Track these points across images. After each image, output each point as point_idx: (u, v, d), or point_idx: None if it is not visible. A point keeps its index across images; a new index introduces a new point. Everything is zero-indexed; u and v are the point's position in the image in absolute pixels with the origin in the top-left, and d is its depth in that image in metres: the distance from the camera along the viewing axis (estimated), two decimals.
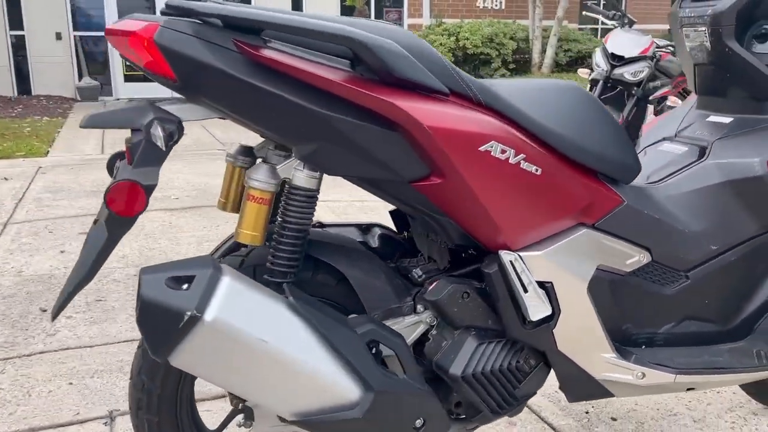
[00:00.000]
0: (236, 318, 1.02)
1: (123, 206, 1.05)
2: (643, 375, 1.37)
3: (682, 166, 1.52)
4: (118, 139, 6.76)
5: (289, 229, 1.18)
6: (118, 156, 1.29)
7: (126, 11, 11.07)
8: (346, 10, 10.94)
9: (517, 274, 1.22)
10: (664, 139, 1.67)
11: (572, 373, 1.35)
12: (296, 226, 1.18)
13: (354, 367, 1.09)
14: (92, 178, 4.89)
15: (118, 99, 11.01)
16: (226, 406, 1.86)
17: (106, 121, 1.11)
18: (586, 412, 1.86)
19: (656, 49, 4.10)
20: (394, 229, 1.54)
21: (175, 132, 1.06)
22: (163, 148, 1.04)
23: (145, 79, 11.35)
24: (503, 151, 1.15)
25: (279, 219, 1.20)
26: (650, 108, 4.19)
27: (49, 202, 4.18)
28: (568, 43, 10.77)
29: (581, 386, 1.37)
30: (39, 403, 1.86)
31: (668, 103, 4.19)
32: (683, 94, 4.62)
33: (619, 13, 4.38)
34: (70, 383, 1.96)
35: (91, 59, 11.09)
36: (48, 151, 6.04)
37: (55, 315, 1.17)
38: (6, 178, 4.84)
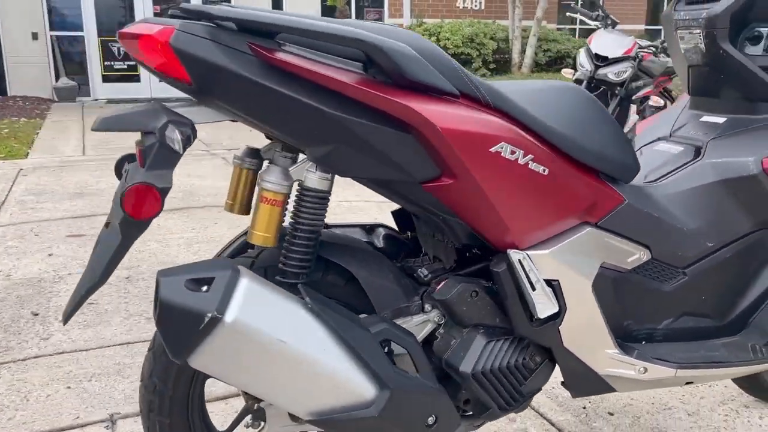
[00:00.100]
0: (255, 319, 1.02)
1: (139, 209, 1.05)
2: (645, 370, 1.40)
3: (678, 165, 1.56)
4: (99, 141, 6.70)
5: (302, 230, 1.19)
6: (126, 158, 1.29)
7: (104, 11, 10.96)
8: (327, 10, 10.93)
9: (525, 272, 1.25)
10: (659, 138, 1.70)
11: (577, 369, 1.37)
12: (308, 227, 1.19)
13: (370, 367, 1.11)
14: (75, 180, 4.84)
15: (96, 99, 10.89)
16: (227, 408, 1.86)
17: (119, 124, 1.11)
18: (584, 408, 1.89)
19: (639, 50, 4.17)
20: (396, 229, 1.55)
21: (191, 135, 1.07)
22: (181, 151, 1.04)
23: (123, 80, 11.26)
24: (513, 152, 1.18)
25: (291, 220, 1.20)
26: (633, 107, 4.26)
27: (33, 204, 4.13)
28: (548, 43, 10.87)
29: (585, 382, 1.40)
30: (38, 407, 1.85)
31: (650, 102, 4.26)
32: (664, 94, 4.70)
33: (602, 14, 4.44)
34: (68, 387, 1.95)
35: (68, 59, 10.95)
36: (28, 153, 5.96)
37: (66, 319, 1.17)
38: None
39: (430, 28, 10.42)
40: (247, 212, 1.40)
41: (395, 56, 1.06)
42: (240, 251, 1.41)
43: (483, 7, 11.93)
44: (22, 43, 10.25)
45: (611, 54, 4.12)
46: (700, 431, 1.79)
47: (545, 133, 1.23)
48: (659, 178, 1.55)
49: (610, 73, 4.10)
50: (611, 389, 1.43)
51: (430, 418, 1.20)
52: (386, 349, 1.19)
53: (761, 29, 1.52)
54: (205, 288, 1.02)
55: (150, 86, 11.43)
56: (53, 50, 10.57)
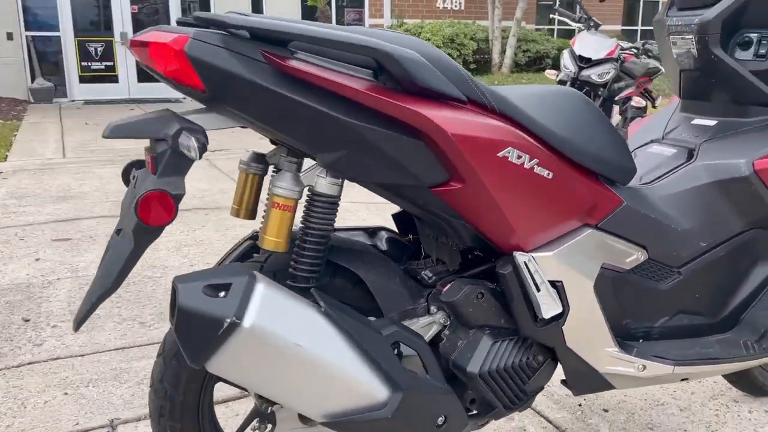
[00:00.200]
0: (272, 323, 1.04)
1: (153, 216, 1.06)
2: (644, 367, 1.44)
3: (672, 167, 1.60)
4: (79, 143, 6.62)
5: (312, 234, 1.20)
6: (133, 165, 1.30)
7: (80, 10, 10.83)
8: (307, 10, 10.91)
9: (530, 274, 1.27)
10: (652, 141, 1.74)
11: (578, 368, 1.40)
12: (319, 231, 1.20)
13: (383, 369, 1.13)
14: (57, 183, 4.79)
15: (73, 101, 10.76)
16: (227, 412, 1.87)
17: (130, 131, 1.12)
18: (579, 405, 1.93)
19: (621, 51, 4.24)
20: (397, 232, 1.57)
21: (205, 142, 1.07)
22: (197, 158, 1.05)
23: (101, 80, 11.13)
24: (519, 157, 1.20)
25: (301, 225, 1.22)
26: (615, 108, 4.33)
27: (15, 208, 4.08)
28: (527, 43, 10.97)
29: (586, 380, 1.43)
30: (36, 414, 1.83)
31: (632, 103, 4.33)
32: (645, 94, 4.78)
33: (585, 16, 4.51)
34: (65, 393, 1.94)
35: (44, 60, 10.80)
36: (6, 156, 5.88)
37: (78, 325, 1.17)
38: None
39: (410, 28, 10.45)
40: (253, 217, 1.41)
41: (406, 64, 1.08)
42: (245, 255, 1.42)
43: (463, 8, 12.00)
44: None
45: (594, 56, 4.19)
46: (692, 426, 1.83)
47: (548, 137, 1.26)
48: (654, 180, 1.59)
49: (594, 74, 4.17)
50: (611, 386, 1.47)
51: (440, 419, 1.22)
52: (396, 351, 1.21)
53: (751, 35, 1.56)
54: (222, 294, 1.03)
55: (128, 87, 11.32)
56: (29, 51, 10.42)
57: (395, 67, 1.07)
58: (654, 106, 4.82)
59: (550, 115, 1.30)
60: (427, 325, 1.34)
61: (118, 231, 1.18)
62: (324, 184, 1.18)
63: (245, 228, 3.68)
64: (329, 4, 10.72)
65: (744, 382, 1.94)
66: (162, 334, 2.34)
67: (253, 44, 1.07)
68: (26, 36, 10.45)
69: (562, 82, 4.37)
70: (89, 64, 11.09)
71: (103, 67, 11.16)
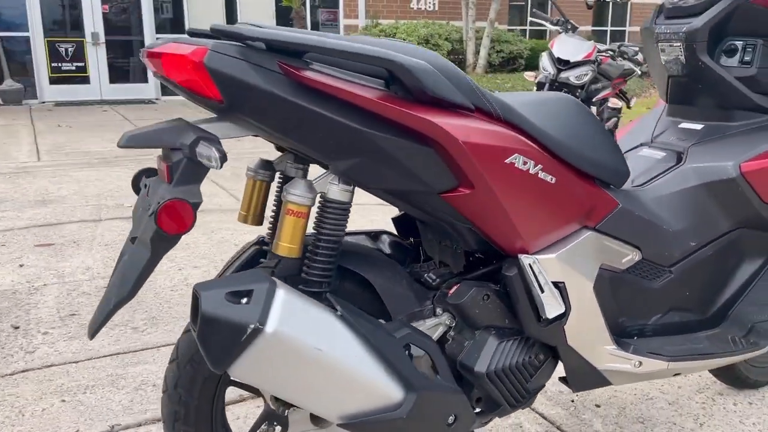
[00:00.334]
0: (293, 329, 1.06)
1: (173, 225, 1.08)
2: (640, 363, 1.49)
3: (662, 170, 1.66)
4: (53, 146, 6.53)
5: (324, 240, 1.23)
6: (143, 173, 1.31)
7: (49, 10, 10.65)
8: (282, 11, 10.89)
9: (535, 275, 1.32)
10: (641, 144, 1.80)
11: (578, 365, 1.45)
12: (331, 237, 1.23)
13: (398, 370, 1.16)
14: (34, 187, 4.72)
15: (43, 102, 10.59)
16: (227, 415, 1.88)
17: (146, 140, 1.13)
18: (572, 401, 1.98)
19: (598, 54, 4.32)
20: (397, 235, 1.61)
21: (224, 151, 1.09)
22: (219, 168, 1.07)
23: (72, 81, 10.97)
24: (525, 163, 1.25)
25: (313, 231, 1.24)
26: (593, 109, 4.42)
27: None
28: (500, 44, 11.08)
29: (585, 377, 1.48)
30: (34, 422, 1.83)
31: (609, 104, 4.43)
32: (620, 95, 4.89)
33: (563, 19, 4.59)
34: (63, 400, 1.94)
35: (13, 61, 10.62)
36: None
37: (94, 334, 1.18)
38: None
39: (385, 29, 10.49)
40: (261, 223, 1.44)
41: (419, 74, 1.11)
42: (251, 261, 1.44)
43: (436, 8, 12.07)
44: None
45: (572, 58, 4.28)
46: (681, 419, 1.90)
47: (549, 143, 1.31)
48: (646, 183, 1.64)
49: (572, 76, 4.25)
50: (608, 383, 1.52)
51: (450, 417, 1.26)
52: (407, 353, 1.25)
53: (736, 42, 1.63)
54: (244, 300, 1.05)
55: (100, 88, 11.18)
56: None
57: (408, 77, 1.11)
58: (629, 107, 4.93)
59: (550, 122, 1.34)
60: (434, 326, 1.38)
61: (132, 239, 1.19)
62: (336, 190, 1.21)
63: (231, 231, 3.68)
64: (304, 4, 10.70)
65: (728, 375, 2.01)
66: (155, 339, 2.34)
67: (270, 56, 1.09)
68: None
69: (540, 84, 4.45)
70: (59, 65, 10.92)
71: (73, 68, 11.00)
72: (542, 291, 1.33)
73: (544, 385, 1.46)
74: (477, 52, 10.76)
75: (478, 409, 1.42)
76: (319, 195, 1.24)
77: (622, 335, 1.54)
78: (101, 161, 5.79)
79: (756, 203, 1.61)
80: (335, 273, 1.29)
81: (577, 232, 1.39)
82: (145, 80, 11.43)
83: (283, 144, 1.21)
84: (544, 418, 1.90)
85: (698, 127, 1.73)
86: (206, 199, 4.44)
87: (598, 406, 1.96)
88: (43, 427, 1.81)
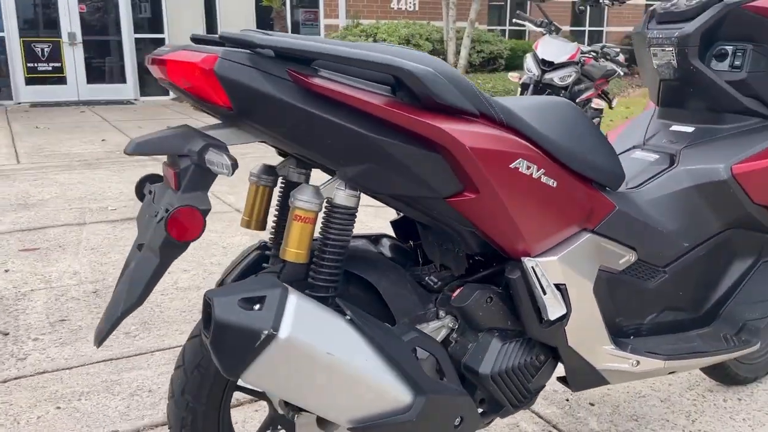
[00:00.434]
0: (306, 334, 1.07)
1: (184, 232, 1.08)
2: (638, 363, 1.52)
3: (655, 172, 1.69)
4: (32, 148, 6.44)
5: (331, 245, 1.24)
6: (147, 179, 1.31)
7: (25, 10, 10.49)
8: (263, 10, 10.84)
9: (537, 278, 1.34)
10: (634, 147, 1.84)
11: (578, 366, 1.48)
12: (337, 242, 1.24)
13: (408, 374, 1.17)
14: (15, 191, 4.66)
15: (19, 103, 10.43)
16: None
17: (154, 147, 1.13)
18: (566, 400, 2.01)
19: (581, 55, 4.38)
20: (396, 238, 1.62)
21: (235, 158, 1.10)
22: (231, 175, 1.07)
23: (48, 82, 10.82)
24: (528, 167, 1.27)
25: (320, 236, 1.25)
26: None
27: None
28: (481, 44, 11.14)
29: (585, 377, 1.51)
30: (30, 430, 1.81)
31: (592, 105, 4.48)
32: (602, 96, 4.95)
33: (546, 21, 4.64)
34: (58, 407, 1.92)
35: None
36: None
37: (101, 341, 1.18)
38: None
39: (366, 29, 10.49)
40: (264, 228, 1.44)
41: (426, 81, 1.12)
42: (254, 266, 1.45)
43: (417, 9, 12.11)
44: None
45: (557, 59, 4.32)
46: (673, 416, 1.94)
47: (549, 147, 1.33)
48: (640, 185, 1.67)
49: (556, 77, 4.30)
50: (606, 382, 1.55)
51: (457, 419, 1.27)
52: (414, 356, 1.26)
53: (726, 47, 1.67)
54: (257, 306, 1.06)
55: (77, 89, 11.04)
56: None
57: (416, 84, 1.12)
58: (611, 107, 5.00)
59: (549, 126, 1.36)
60: (437, 329, 1.39)
61: (139, 246, 1.19)
62: (343, 196, 1.22)
63: (218, 234, 3.67)
64: (284, 4, 10.66)
65: (718, 372, 2.06)
66: (148, 344, 2.33)
67: (279, 63, 1.10)
68: None
69: (525, 85, 4.49)
70: (36, 65, 10.77)
71: (50, 68, 10.86)
72: (544, 293, 1.35)
73: (544, 385, 1.49)
74: (457, 53, 10.81)
75: (480, 410, 1.43)
76: (325, 201, 1.24)
77: (619, 335, 1.57)
78: (82, 163, 5.72)
79: (746, 204, 1.65)
80: (341, 277, 1.30)
81: (577, 235, 1.42)
82: (123, 81, 11.32)
83: (291, 150, 1.22)
84: (540, 417, 1.92)
85: (689, 129, 1.77)
86: None
87: (592, 404, 1.99)
88: None
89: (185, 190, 1.12)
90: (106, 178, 5.14)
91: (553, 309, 1.36)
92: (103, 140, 6.95)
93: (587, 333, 1.45)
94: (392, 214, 1.69)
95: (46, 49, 10.77)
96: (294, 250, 1.21)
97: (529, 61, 4.45)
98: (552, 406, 1.97)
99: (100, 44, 11.18)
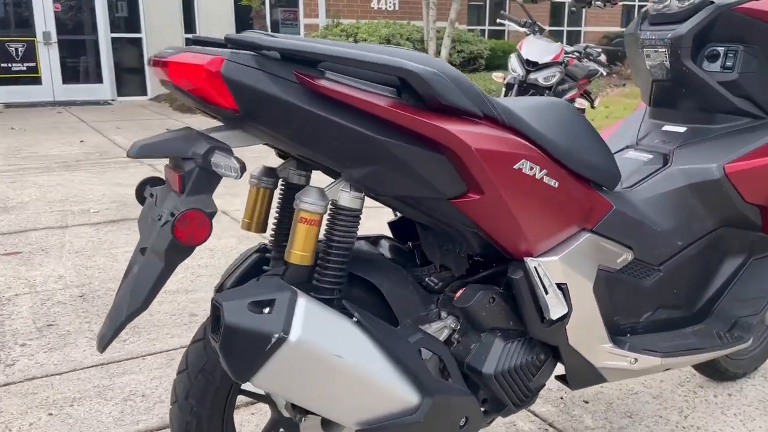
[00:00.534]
0: (315, 337, 1.07)
1: (191, 235, 1.07)
2: (636, 360, 1.54)
3: (650, 172, 1.71)
4: (8, 150, 6.33)
5: (336, 247, 1.23)
6: (147, 182, 1.29)
7: None
8: (242, 10, 10.76)
9: (539, 278, 1.35)
10: (627, 147, 1.86)
11: (578, 364, 1.49)
12: (342, 244, 1.23)
13: (415, 375, 1.17)
14: None
15: None
16: None
17: (157, 150, 1.12)
18: (561, 398, 2.03)
19: (565, 55, 4.41)
20: (394, 239, 1.62)
21: (243, 161, 1.09)
22: (239, 178, 1.07)
23: (22, 82, 10.63)
24: (531, 168, 1.27)
25: (324, 238, 1.25)
26: None
27: None
28: (461, 44, 11.18)
29: (584, 375, 1.52)
30: None
31: (576, 105, 4.52)
32: (584, 96, 5.00)
33: (530, 21, 4.67)
34: (50, 413, 1.89)
35: None
36: None
37: (105, 347, 1.16)
38: None
39: (347, 28, 10.48)
40: (264, 230, 1.43)
41: (432, 82, 1.12)
42: (254, 268, 1.44)
43: (397, 8, 12.12)
44: None
45: (541, 59, 4.36)
46: (666, 412, 1.96)
47: (550, 147, 1.34)
48: (634, 185, 1.69)
49: (540, 77, 4.33)
50: (604, 380, 1.56)
51: (462, 420, 1.28)
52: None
53: (718, 48, 1.69)
54: (267, 310, 1.05)
55: (52, 89, 10.88)
56: None
57: (422, 85, 1.12)
58: (593, 107, 5.05)
59: (548, 126, 1.37)
60: (439, 329, 1.39)
61: (142, 250, 1.17)
62: (347, 198, 1.22)
63: None
64: (263, 3, 10.61)
65: (708, 368, 2.09)
66: (139, 348, 2.30)
67: (285, 65, 1.09)
68: None
69: (509, 85, 4.52)
70: (9, 65, 10.59)
71: (24, 68, 10.68)
72: (546, 293, 1.36)
73: (544, 384, 1.50)
74: (438, 52, 10.83)
75: (483, 410, 1.44)
76: (330, 203, 1.24)
77: (616, 334, 1.58)
78: (61, 165, 5.64)
79: (738, 203, 1.67)
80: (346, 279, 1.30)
81: (577, 235, 1.43)
82: (99, 81, 11.17)
83: (295, 152, 1.21)
84: (536, 415, 1.93)
85: (681, 129, 1.79)
86: None
87: (586, 402, 2.01)
88: None
89: (190, 193, 1.10)
90: (86, 180, 5.07)
91: (555, 308, 1.37)
92: (81, 141, 6.86)
93: (587, 332, 1.46)
94: (387, 215, 1.69)
95: (20, 49, 10.59)
96: (299, 253, 1.21)
97: (513, 62, 4.48)
98: (547, 404, 1.99)
99: (76, 44, 11.03)
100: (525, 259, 1.34)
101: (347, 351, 1.10)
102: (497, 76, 4.81)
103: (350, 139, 1.13)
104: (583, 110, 4.63)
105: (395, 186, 1.20)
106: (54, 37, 10.76)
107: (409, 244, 1.61)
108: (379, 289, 1.34)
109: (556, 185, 1.33)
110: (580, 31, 15.18)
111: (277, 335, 1.02)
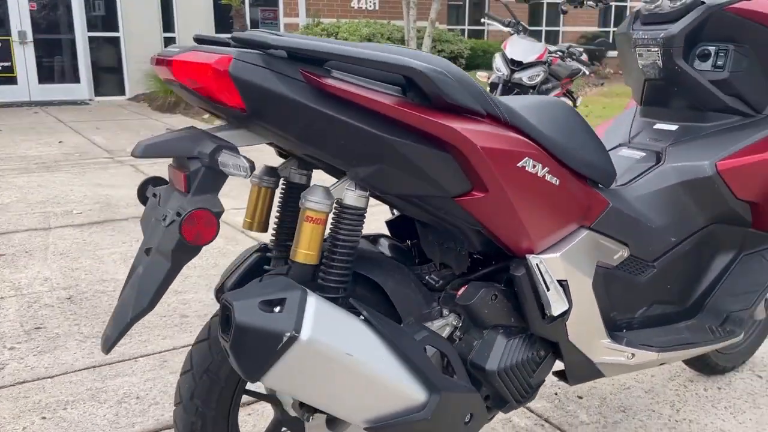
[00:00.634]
0: (326, 335, 1.07)
1: (199, 235, 1.06)
2: (633, 355, 1.56)
3: (643, 170, 1.74)
4: None
5: (341, 246, 1.23)
6: (149, 182, 1.28)
7: None
8: (221, 9, 10.69)
9: (541, 275, 1.36)
10: (620, 145, 1.88)
11: (577, 360, 1.51)
12: (347, 242, 1.24)
13: (423, 372, 1.18)
14: None
15: None
16: None
17: (162, 150, 1.11)
18: (555, 394, 2.05)
19: (548, 55, 4.45)
20: (393, 238, 1.62)
21: (252, 160, 1.09)
22: (248, 177, 1.06)
23: None
24: (534, 166, 1.29)
25: (330, 236, 1.25)
26: None
27: None
28: (441, 43, 11.23)
29: (582, 370, 1.54)
30: None
31: None
32: (567, 95, 5.05)
33: (514, 21, 4.70)
34: (43, 417, 1.86)
35: None
36: None
37: (110, 348, 1.15)
38: None
39: (327, 27, 10.46)
40: (266, 230, 1.43)
41: (438, 81, 1.13)
42: (254, 268, 1.43)
43: (377, 8, 12.12)
44: None
45: (525, 59, 4.39)
46: (658, 406, 1.99)
47: (550, 145, 1.35)
48: (628, 182, 1.72)
49: (525, 76, 4.37)
50: (601, 375, 1.58)
51: (467, 416, 1.29)
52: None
53: (709, 47, 1.72)
54: (277, 309, 1.05)
55: (28, 89, 10.71)
56: None
57: (428, 84, 1.12)
58: (575, 106, 5.10)
59: (548, 124, 1.39)
60: (441, 327, 1.40)
61: (146, 250, 1.16)
62: (352, 197, 1.22)
63: None
64: (243, 2, 10.54)
65: (698, 362, 2.12)
66: (131, 350, 2.28)
67: (292, 64, 1.09)
68: None
69: (494, 85, 4.54)
70: None
71: None
72: (548, 289, 1.37)
73: (544, 380, 1.51)
74: None
75: (489, 406, 1.45)
76: (334, 202, 1.24)
77: (612, 329, 1.61)
78: (40, 166, 5.56)
79: (729, 199, 1.70)
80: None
81: (576, 232, 1.44)
82: (77, 80, 11.02)
83: (301, 151, 1.21)
84: (532, 411, 1.95)
85: (673, 127, 1.82)
86: None
87: (580, 397, 2.03)
88: None
89: (196, 193, 1.10)
90: (67, 180, 5.00)
91: (557, 305, 1.38)
92: (60, 142, 6.76)
93: (586, 328, 1.48)
94: (384, 214, 1.70)
95: None
96: (305, 251, 1.21)
97: (498, 61, 4.52)
98: (542, 400, 2.01)
99: (52, 43, 10.87)
100: (527, 256, 1.35)
101: (357, 349, 1.10)
102: (482, 75, 4.84)
103: (356, 137, 1.13)
104: None
105: (400, 184, 1.20)
106: (30, 37, 10.60)
107: (408, 242, 1.62)
108: (383, 287, 1.34)
109: (557, 183, 1.35)
110: (558, 31, 15.31)
111: (288, 334, 1.02)
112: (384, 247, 1.56)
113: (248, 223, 1.41)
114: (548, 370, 1.51)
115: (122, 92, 11.22)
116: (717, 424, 1.90)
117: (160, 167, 5.46)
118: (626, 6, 15.71)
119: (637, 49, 1.80)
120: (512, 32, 4.67)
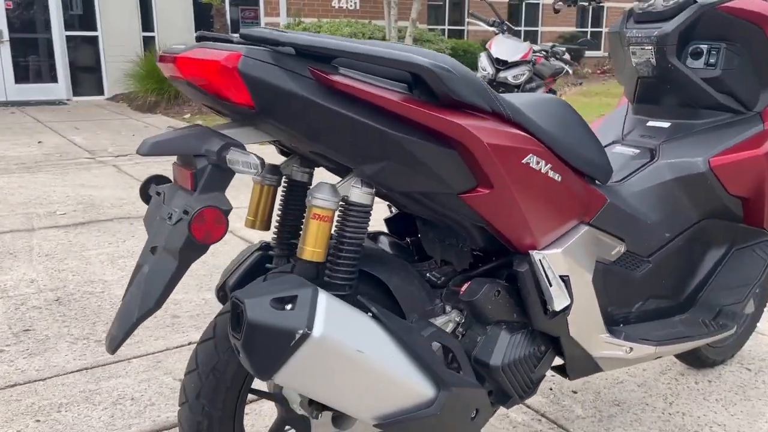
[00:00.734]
0: (337, 332, 1.07)
1: (208, 233, 1.06)
2: (631, 349, 1.58)
3: (638, 166, 1.76)
4: None
5: (347, 243, 1.24)
6: (152, 180, 1.27)
7: None
8: (201, 7, 10.61)
9: (544, 270, 1.37)
10: (613, 142, 1.90)
11: (577, 354, 1.52)
12: (354, 239, 1.24)
13: (431, 368, 1.18)
14: None
15: None
16: None
17: (169, 148, 1.10)
18: (550, 389, 2.07)
19: (533, 54, 4.49)
20: (392, 235, 1.63)
21: (262, 157, 1.08)
22: (259, 173, 1.06)
23: None
24: (537, 162, 1.30)
25: (336, 234, 1.25)
26: None
27: None
28: (422, 43, 11.23)
29: (582, 365, 1.56)
30: None
31: None
32: (551, 94, 5.09)
33: (498, 21, 4.73)
34: (37, 420, 1.84)
35: None
36: None
37: (115, 348, 1.14)
38: None
39: (308, 27, 10.42)
40: (268, 228, 1.42)
41: (444, 78, 1.14)
42: (256, 266, 1.43)
43: (358, 8, 12.11)
44: None
45: (510, 58, 4.42)
46: (651, 399, 2.02)
47: (551, 142, 1.37)
48: (624, 179, 1.74)
49: (510, 76, 4.40)
50: (600, 369, 1.60)
51: (473, 412, 1.29)
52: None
53: (702, 46, 1.75)
54: (289, 306, 1.05)
55: (5, 89, 10.53)
56: None
57: (436, 81, 1.13)
58: None
59: (548, 122, 1.40)
60: (444, 323, 1.41)
61: (152, 249, 1.15)
62: (358, 194, 1.22)
63: None
64: (223, 1, 10.47)
65: (688, 355, 2.15)
66: (123, 351, 2.26)
67: (300, 61, 1.09)
68: None
69: None
70: None
71: None
72: (551, 285, 1.38)
73: (545, 375, 1.53)
74: None
75: (492, 401, 1.46)
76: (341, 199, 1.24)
77: (610, 324, 1.63)
78: (20, 167, 5.47)
79: (722, 195, 1.73)
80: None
81: (577, 228, 1.46)
82: (54, 80, 10.86)
83: (307, 148, 1.21)
84: (528, 406, 1.97)
85: (665, 125, 1.84)
86: (139, 204, 4.26)
87: (575, 392, 2.05)
88: None
89: (203, 191, 1.09)
90: (48, 181, 4.93)
91: (559, 300, 1.40)
92: (39, 142, 6.66)
93: (586, 322, 1.50)
94: (382, 212, 1.70)
95: None
96: (311, 249, 1.20)
97: (483, 60, 4.54)
98: (537, 395, 2.02)
99: (29, 42, 10.69)
100: (530, 252, 1.37)
101: (368, 346, 1.11)
102: None
103: (364, 134, 1.13)
104: None
105: (406, 181, 1.20)
106: (6, 36, 10.42)
107: (407, 240, 1.63)
108: (387, 284, 1.35)
109: (559, 179, 1.36)
110: (537, 31, 15.43)
111: (301, 331, 1.02)
112: (384, 244, 1.56)
113: (251, 222, 1.40)
114: (548, 365, 1.52)
115: (101, 92, 11.08)
116: (710, 416, 1.93)
117: (143, 167, 5.41)
118: (603, 6, 15.86)
119: (630, 47, 1.82)
120: (497, 32, 4.70)
